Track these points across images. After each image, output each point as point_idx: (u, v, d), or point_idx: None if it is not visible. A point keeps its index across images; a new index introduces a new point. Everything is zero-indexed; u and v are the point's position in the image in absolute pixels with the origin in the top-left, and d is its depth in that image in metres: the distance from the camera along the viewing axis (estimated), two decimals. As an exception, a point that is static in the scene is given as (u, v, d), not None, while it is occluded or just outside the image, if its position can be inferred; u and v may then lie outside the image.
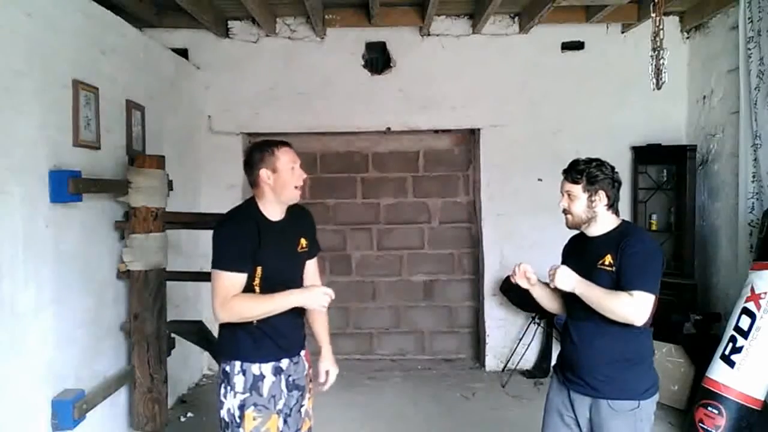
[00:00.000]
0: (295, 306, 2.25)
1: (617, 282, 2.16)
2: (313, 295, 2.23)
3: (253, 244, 2.22)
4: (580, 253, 2.34)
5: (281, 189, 2.26)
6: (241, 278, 2.21)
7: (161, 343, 3.64)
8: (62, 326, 3.01)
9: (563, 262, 2.38)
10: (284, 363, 2.31)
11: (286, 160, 2.26)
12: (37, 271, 2.80)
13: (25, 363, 2.73)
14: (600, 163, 2.28)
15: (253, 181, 2.30)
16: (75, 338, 3.14)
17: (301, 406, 2.43)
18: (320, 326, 2.57)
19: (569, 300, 2.31)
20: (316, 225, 2.54)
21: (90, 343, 3.29)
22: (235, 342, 2.28)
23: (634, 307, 2.10)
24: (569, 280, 2.17)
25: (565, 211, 2.32)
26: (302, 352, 2.44)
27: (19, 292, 2.67)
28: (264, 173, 2.25)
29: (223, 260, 2.21)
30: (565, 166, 2.35)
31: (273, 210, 2.31)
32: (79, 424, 2.95)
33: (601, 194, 2.24)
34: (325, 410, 4.35)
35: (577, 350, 2.27)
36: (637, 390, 2.21)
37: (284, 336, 2.31)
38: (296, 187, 2.29)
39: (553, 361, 5.18)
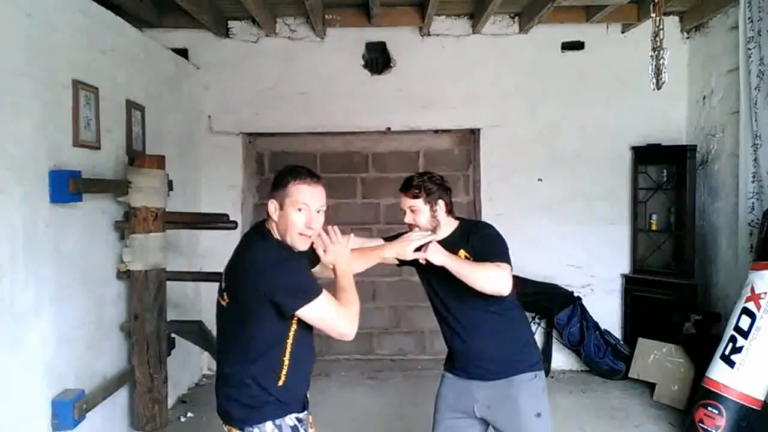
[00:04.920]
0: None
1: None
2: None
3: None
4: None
5: (283, 231, 1.97)
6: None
7: (161, 343, 3.64)
8: (62, 326, 3.01)
9: (419, 272, 2.49)
10: (303, 414, 2.05)
11: (296, 199, 1.93)
12: (37, 271, 2.80)
13: (25, 363, 2.73)
14: (431, 176, 2.44)
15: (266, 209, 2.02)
16: (75, 338, 3.14)
17: None
18: None
19: (440, 295, 2.45)
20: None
21: (90, 343, 3.29)
22: (262, 404, 1.95)
23: (501, 273, 2.22)
24: (440, 254, 2.25)
25: (411, 226, 2.44)
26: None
27: (19, 292, 2.67)
28: (271, 205, 1.98)
29: (311, 288, 1.91)
30: (403, 185, 2.47)
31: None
32: (79, 424, 2.95)
33: (441, 203, 2.40)
34: (326, 410, 4.37)
35: (469, 344, 2.42)
36: (531, 362, 2.42)
37: (306, 384, 2.11)
38: (301, 234, 1.96)
39: (553, 361, 5.22)
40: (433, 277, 2.41)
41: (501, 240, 2.37)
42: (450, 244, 2.35)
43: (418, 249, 2.30)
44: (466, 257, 2.32)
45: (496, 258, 2.26)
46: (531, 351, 2.50)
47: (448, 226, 2.43)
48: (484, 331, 2.38)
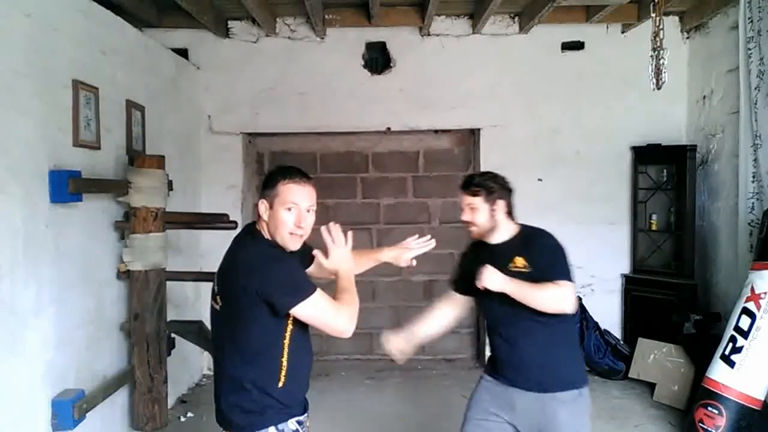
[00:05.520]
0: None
1: (537, 280, 2.24)
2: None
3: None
4: (486, 259, 2.35)
5: (274, 231, 1.94)
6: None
7: (161, 343, 3.64)
8: (62, 326, 3.01)
9: (467, 268, 2.44)
10: (303, 416, 2.04)
11: (285, 198, 1.91)
12: (37, 271, 2.80)
13: (25, 363, 2.73)
14: (493, 175, 2.44)
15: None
16: (75, 338, 3.14)
17: None
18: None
19: (489, 304, 2.38)
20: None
21: (90, 343, 3.29)
22: (263, 408, 1.93)
23: (563, 293, 2.19)
24: (498, 280, 2.21)
25: (469, 224, 2.41)
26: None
27: (19, 292, 2.68)
28: (262, 206, 1.96)
29: (305, 286, 1.90)
30: (464, 182, 2.45)
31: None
32: (79, 424, 2.95)
33: (500, 203, 2.37)
34: (326, 410, 4.37)
35: (516, 351, 2.34)
36: (577, 378, 2.36)
37: (306, 386, 2.08)
38: (291, 234, 1.94)
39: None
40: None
41: (561, 252, 2.31)
42: (507, 250, 2.33)
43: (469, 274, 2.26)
44: (524, 265, 2.28)
45: (556, 275, 2.22)
46: (576, 366, 2.44)
47: (508, 230, 2.40)
48: (530, 340, 2.32)
